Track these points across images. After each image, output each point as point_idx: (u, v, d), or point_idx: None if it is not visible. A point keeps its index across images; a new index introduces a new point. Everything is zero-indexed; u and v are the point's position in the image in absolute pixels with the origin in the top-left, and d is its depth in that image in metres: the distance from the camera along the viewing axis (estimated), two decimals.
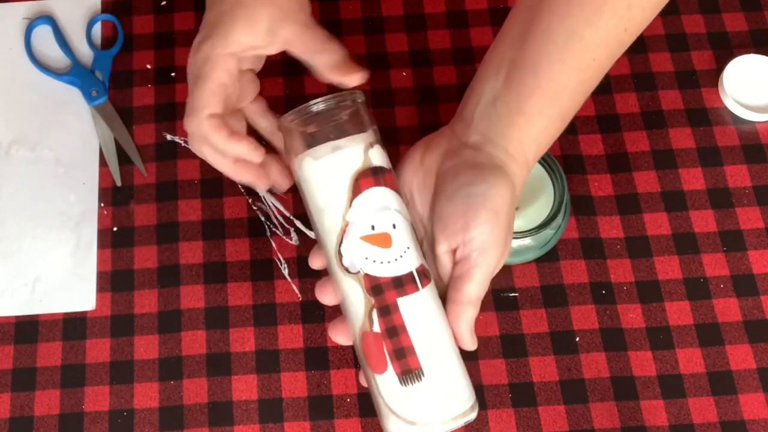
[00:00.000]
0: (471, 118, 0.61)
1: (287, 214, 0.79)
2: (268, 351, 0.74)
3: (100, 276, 0.77)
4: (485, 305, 0.75)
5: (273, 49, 0.62)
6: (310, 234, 0.76)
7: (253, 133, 0.65)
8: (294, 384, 0.73)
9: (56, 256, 0.78)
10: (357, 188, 0.57)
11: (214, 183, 0.80)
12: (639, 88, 0.84)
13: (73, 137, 0.83)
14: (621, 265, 0.77)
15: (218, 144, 0.61)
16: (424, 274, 0.58)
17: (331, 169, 0.58)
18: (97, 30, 0.88)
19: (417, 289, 0.57)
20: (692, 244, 0.78)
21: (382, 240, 0.57)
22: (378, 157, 0.59)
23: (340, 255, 0.58)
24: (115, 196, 0.80)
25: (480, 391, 0.72)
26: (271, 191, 0.79)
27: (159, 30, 0.87)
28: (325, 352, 0.74)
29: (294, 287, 0.76)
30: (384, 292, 0.57)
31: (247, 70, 0.64)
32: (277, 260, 0.78)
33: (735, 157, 0.81)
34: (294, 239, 0.78)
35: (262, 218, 0.79)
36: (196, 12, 0.88)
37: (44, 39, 0.87)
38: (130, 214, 0.80)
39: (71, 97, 0.84)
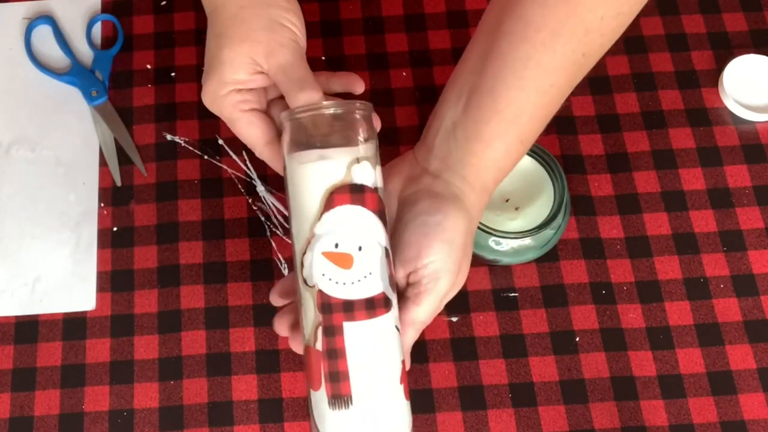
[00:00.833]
0: (432, 143, 0.62)
1: (287, 214, 0.79)
2: (268, 351, 0.74)
3: (100, 276, 0.77)
4: (485, 305, 0.76)
5: (260, 83, 0.63)
6: None
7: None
8: (294, 384, 0.73)
9: (56, 256, 0.78)
10: (330, 202, 0.56)
11: (214, 183, 0.80)
12: (639, 88, 0.84)
13: (73, 137, 0.83)
14: (621, 265, 0.77)
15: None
16: (382, 302, 0.56)
17: (310, 178, 0.56)
18: (97, 30, 0.88)
19: (367, 316, 0.56)
20: (692, 244, 0.78)
21: (342, 260, 0.56)
22: (363, 174, 0.57)
23: (302, 264, 0.57)
24: (115, 196, 0.80)
25: (480, 391, 0.73)
26: (271, 191, 0.80)
27: (159, 30, 0.87)
28: None
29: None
30: (333, 312, 0.56)
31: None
32: (277, 260, 0.78)
33: (735, 157, 0.81)
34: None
35: (262, 218, 0.79)
36: (196, 12, 0.88)
37: (44, 39, 0.87)
38: (130, 214, 0.80)
39: (71, 97, 0.84)
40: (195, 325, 0.75)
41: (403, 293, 0.60)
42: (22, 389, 0.73)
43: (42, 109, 0.84)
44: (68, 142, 0.82)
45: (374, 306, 0.56)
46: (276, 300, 0.64)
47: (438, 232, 0.58)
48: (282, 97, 0.65)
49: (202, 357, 0.74)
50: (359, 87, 0.67)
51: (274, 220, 0.79)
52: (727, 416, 0.72)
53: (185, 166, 0.81)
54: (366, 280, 0.56)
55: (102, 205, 0.80)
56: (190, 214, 0.79)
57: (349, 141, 0.57)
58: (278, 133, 0.64)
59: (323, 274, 0.56)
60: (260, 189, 0.80)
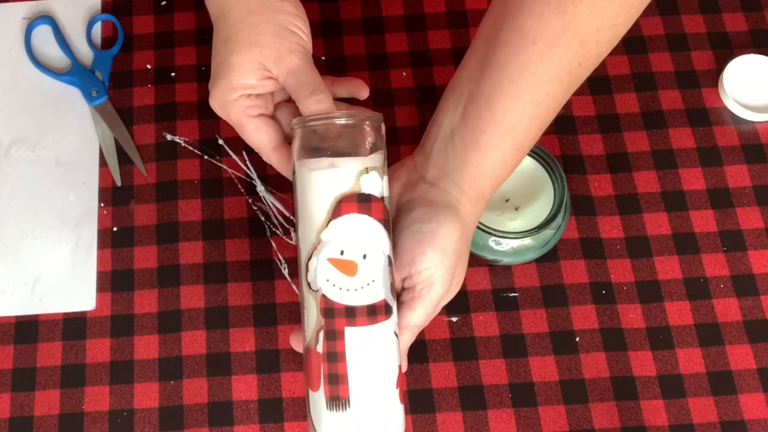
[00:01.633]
0: (431, 151, 0.62)
1: (287, 214, 0.79)
2: (268, 351, 0.74)
3: (100, 276, 0.77)
4: (485, 305, 0.76)
5: (268, 89, 0.64)
6: None
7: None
8: (294, 384, 0.73)
9: (56, 256, 0.78)
10: (338, 210, 0.57)
11: (214, 183, 0.80)
12: (639, 88, 0.84)
13: (73, 137, 0.83)
14: (621, 265, 0.77)
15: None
16: (383, 309, 0.58)
17: (319, 185, 0.58)
18: (97, 30, 0.88)
19: (368, 322, 0.57)
20: (692, 244, 0.78)
21: (347, 267, 0.57)
22: (371, 184, 0.58)
23: (307, 268, 0.58)
24: (115, 196, 0.80)
25: (480, 391, 0.73)
26: (271, 191, 0.80)
27: (159, 30, 0.87)
28: None
29: (294, 287, 0.76)
30: (335, 317, 0.57)
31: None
32: (277, 260, 0.78)
33: (735, 157, 0.81)
34: (294, 239, 0.78)
35: (262, 218, 0.79)
36: (196, 12, 0.88)
37: (44, 39, 0.87)
38: (130, 214, 0.80)
39: (71, 97, 0.84)
40: (195, 325, 0.75)
41: (399, 297, 0.61)
42: (22, 389, 0.73)
43: (42, 109, 0.84)
44: (68, 142, 0.83)
45: (375, 312, 0.57)
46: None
47: (432, 240, 0.59)
48: (288, 101, 0.65)
49: (202, 357, 0.74)
50: (364, 93, 0.68)
51: (274, 220, 0.79)
52: (727, 416, 0.72)
53: (185, 166, 0.81)
54: (369, 287, 0.57)
55: (102, 205, 0.80)
56: (190, 214, 0.79)
57: (358, 150, 0.58)
58: (285, 138, 0.65)
59: (327, 280, 0.57)
60: (260, 189, 0.80)
